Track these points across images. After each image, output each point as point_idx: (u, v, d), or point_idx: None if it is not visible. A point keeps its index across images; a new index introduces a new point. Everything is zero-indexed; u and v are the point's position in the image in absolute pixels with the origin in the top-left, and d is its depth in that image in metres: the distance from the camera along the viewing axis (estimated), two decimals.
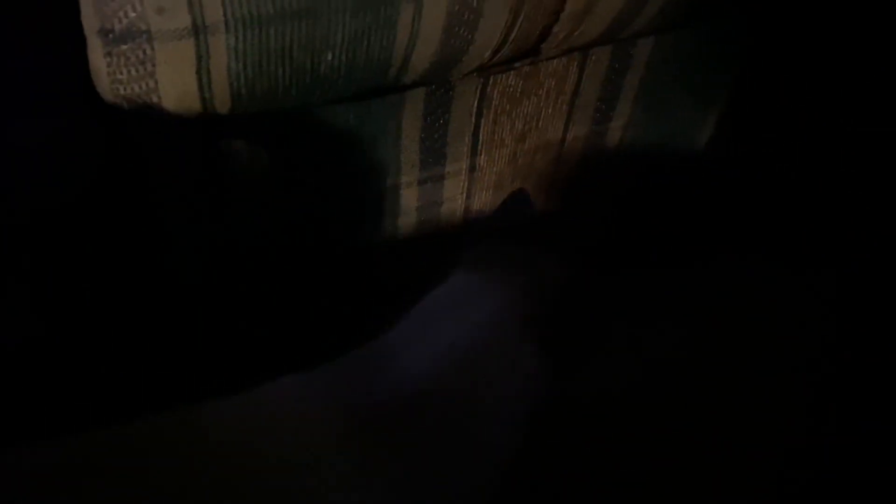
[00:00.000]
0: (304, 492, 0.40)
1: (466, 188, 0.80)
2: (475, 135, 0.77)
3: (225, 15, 0.52)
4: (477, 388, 0.45)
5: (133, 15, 0.51)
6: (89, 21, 0.52)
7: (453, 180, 0.79)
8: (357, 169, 0.72)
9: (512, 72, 0.75)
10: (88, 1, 0.51)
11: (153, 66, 0.53)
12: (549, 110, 0.80)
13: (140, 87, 0.54)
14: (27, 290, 0.63)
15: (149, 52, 0.52)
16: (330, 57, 0.56)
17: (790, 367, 0.49)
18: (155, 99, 0.54)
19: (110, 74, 0.53)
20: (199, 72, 0.53)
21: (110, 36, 0.52)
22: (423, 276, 0.51)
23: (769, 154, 0.88)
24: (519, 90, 0.76)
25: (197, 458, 0.41)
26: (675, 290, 0.52)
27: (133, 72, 0.53)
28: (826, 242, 0.65)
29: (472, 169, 0.79)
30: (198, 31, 0.52)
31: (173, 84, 0.54)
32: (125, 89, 0.54)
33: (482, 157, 0.79)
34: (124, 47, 0.52)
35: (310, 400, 0.43)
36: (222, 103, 0.56)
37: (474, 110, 0.75)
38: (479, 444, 0.43)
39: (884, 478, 0.47)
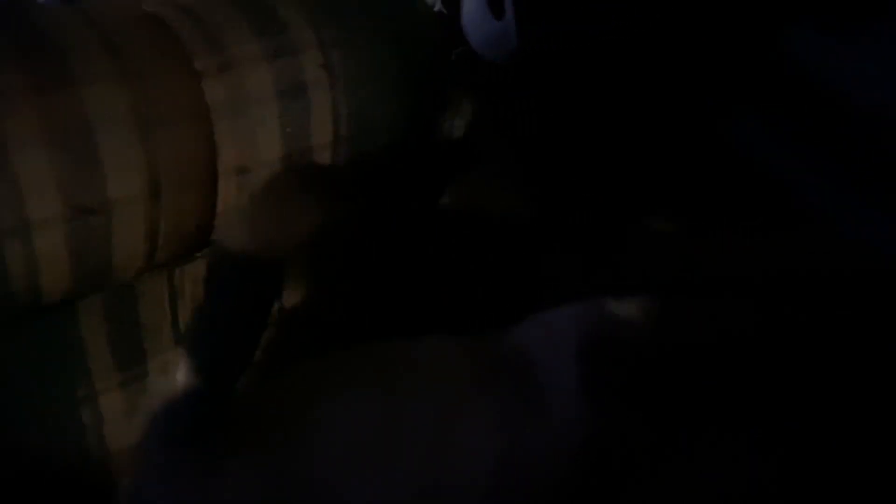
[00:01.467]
0: (453, 407, 0.61)
1: None
2: (175, 325, 0.75)
3: None
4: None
5: None
6: None
7: (164, 374, 0.76)
8: (36, 386, 0.68)
9: (199, 260, 0.73)
10: None
11: None
12: None
13: None
14: None
15: None
16: None
17: None
18: None
19: None
20: None
21: None
22: None
23: None
24: None
25: (397, 375, 0.64)
26: None
27: None
28: None
29: None
30: None
31: None
32: None
33: None
34: None
35: (458, 348, 0.66)
36: None
37: (167, 303, 0.73)
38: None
39: None
